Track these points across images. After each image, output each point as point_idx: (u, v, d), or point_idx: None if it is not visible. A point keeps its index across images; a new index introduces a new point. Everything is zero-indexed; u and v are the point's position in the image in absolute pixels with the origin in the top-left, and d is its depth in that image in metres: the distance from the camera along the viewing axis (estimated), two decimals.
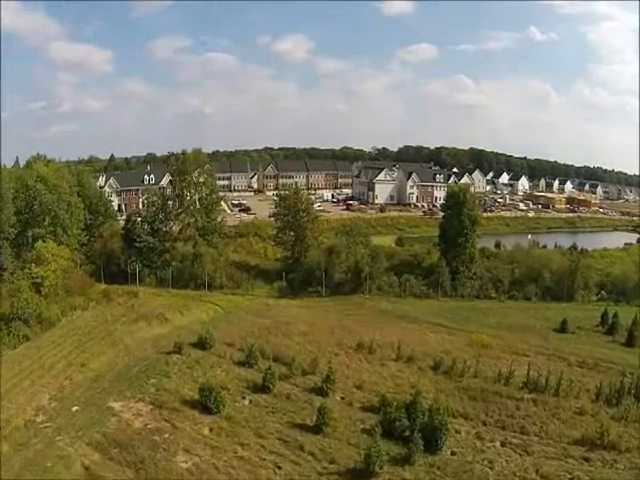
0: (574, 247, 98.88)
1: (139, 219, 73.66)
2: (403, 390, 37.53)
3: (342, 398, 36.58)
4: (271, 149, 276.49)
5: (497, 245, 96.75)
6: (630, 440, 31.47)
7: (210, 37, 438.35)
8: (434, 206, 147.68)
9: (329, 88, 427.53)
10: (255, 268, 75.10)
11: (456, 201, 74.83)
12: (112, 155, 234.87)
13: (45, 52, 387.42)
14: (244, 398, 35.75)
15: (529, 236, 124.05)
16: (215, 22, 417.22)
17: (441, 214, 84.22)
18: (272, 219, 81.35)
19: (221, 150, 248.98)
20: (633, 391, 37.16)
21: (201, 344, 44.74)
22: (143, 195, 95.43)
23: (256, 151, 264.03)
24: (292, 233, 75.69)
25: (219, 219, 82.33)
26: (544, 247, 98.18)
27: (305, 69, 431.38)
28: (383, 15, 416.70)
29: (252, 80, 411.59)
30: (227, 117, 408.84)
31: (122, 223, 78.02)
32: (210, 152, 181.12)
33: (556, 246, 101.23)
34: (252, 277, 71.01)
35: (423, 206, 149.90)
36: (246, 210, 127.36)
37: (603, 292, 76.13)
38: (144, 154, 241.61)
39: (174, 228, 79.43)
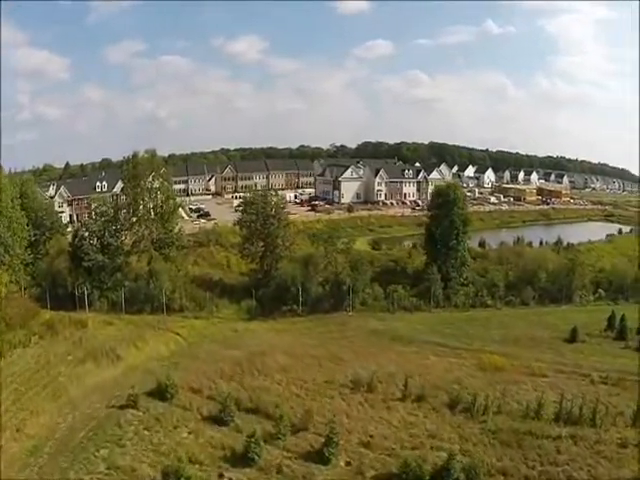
0: (560, 242, 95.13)
1: (87, 233, 65.17)
2: (421, 442, 30.77)
3: (348, 463, 28.85)
4: (227, 150, 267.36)
5: (481, 244, 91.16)
6: None
7: (165, 40, 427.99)
8: (403, 203, 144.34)
9: (285, 87, 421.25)
10: (219, 284, 67.34)
11: (445, 199, 69.44)
12: (67, 163, 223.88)
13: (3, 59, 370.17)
14: (222, 476, 27.37)
15: (504, 230, 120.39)
16: (170, 25, 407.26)
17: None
18: (235, 226, 73.23)
19: (177, 153, 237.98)
20: None
21: (161, 393, 36.46)
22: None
23: (212, 153, 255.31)
24: (261, 243, 67.74)
25: (177, 229, 74.29)
26: (530, 243, 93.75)
27: (260, 69, 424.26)
28: (338, 13, 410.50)
29: (207, 82, 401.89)
30: (183, 120, 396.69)
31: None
32: (166, 156, 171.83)
33: (541, 243, 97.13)
34: (216, 295, 63.24)
35: (392, 203, 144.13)
36: (205, 215, 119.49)
37: (601, 291, 73.22)
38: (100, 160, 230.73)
39: (127, 240, 71.30)
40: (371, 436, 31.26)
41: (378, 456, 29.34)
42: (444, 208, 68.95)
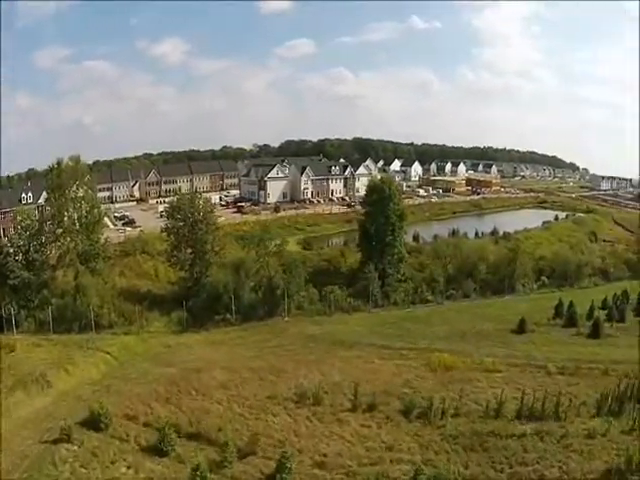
0: (496, 231, 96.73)
1: (12, 249, 62.00)
2: (380, 457, 28.83)
3: None
4: (150, 155, 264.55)
5: (415, 237, 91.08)
6: None
7: (90, 45, 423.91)
8: (330, 200, 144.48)
9: (208, 89, 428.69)
10: (147, 295, 64.40)
11: (380, 195, 68.98)
12: None
13: None
14: None
15: (434, 223, 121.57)
16: (95, 29, 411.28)
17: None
18: (162, 233, 70.36)
19: (101, 160, 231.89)
20: (630, 393, 34.39)
21: (94, 422, 33.42)
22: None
23: (136, 158, 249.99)
24: (189, 250, 65.29)
25: (102, 240, 71.56)
26: (465, 234, 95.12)
27: (183, 72, 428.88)
28: (260, 13, 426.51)
29: (131, 86, 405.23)
30: (107, 125, 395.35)
31: None
32: (90, 162, 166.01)
33: (477, 233, 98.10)
34: (145, 308, 60.16)
35: (319, 201, 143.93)
36: (130, 223, 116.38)
37: (544, 278, 74.80)
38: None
39: (52, 253, 68.04)
40: (325, 455, 29.18)
41: (335, 477, 27.32)
42: (379, 204, 68.57)
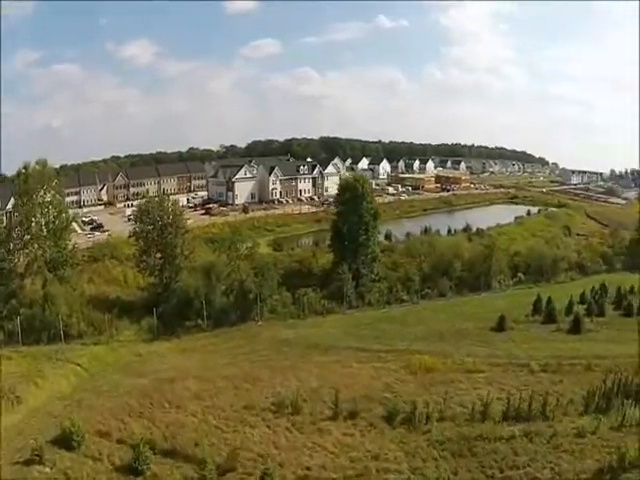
0: (469, 228, 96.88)
1: None
2: (365, 467, 27.66)
3: None
4: (118, 158, 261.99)
5: (387, 236, 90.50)
6: None
7: (58, 48, 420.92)
8: (299, 199, 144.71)
9: (174, 90, 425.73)
10: (116, 302, 62.59)
11: (353, 194, 68.16)
12: None
13: None
14: None
15: (404, 221, 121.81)
16: (63, 33, 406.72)
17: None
18: (130, 238, 69.24)
19: (69, 164, 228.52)
20: (617, 388, 33.83)
21: (66, 440, 31.52)
22: None
23: (103, 161, 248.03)
24: (158, 254, 64.00)
25: (70, 246, 69.93)
26: (437, 232, 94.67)
27: (149, 73, 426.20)
28: (226, 14, 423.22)
29: (98, 89, 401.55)
30: (75, 128, 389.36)
31: None
32: (58, 166, 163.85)
33: (450, 230, 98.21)
34: (115, 316, 58.28)
35: (287, 201, 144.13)
36: (99, 227, 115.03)
37: (520, 275, 74.96)
38: None
39: (20, 261, 66.75)
40: (308, 468, 27.89)
41: None
42: (352, 203, 67.81)
